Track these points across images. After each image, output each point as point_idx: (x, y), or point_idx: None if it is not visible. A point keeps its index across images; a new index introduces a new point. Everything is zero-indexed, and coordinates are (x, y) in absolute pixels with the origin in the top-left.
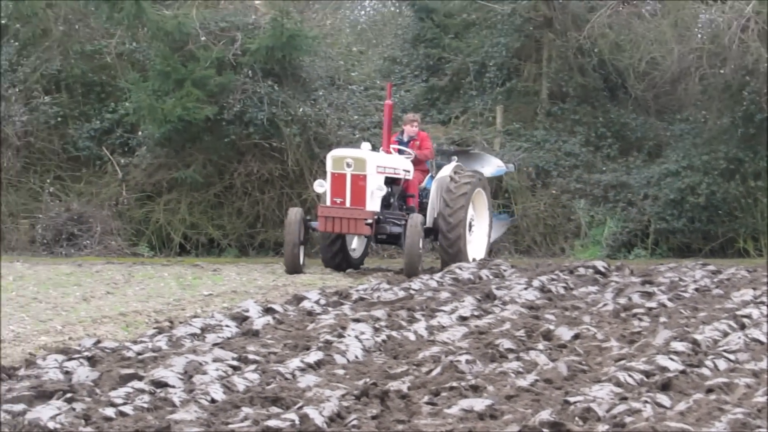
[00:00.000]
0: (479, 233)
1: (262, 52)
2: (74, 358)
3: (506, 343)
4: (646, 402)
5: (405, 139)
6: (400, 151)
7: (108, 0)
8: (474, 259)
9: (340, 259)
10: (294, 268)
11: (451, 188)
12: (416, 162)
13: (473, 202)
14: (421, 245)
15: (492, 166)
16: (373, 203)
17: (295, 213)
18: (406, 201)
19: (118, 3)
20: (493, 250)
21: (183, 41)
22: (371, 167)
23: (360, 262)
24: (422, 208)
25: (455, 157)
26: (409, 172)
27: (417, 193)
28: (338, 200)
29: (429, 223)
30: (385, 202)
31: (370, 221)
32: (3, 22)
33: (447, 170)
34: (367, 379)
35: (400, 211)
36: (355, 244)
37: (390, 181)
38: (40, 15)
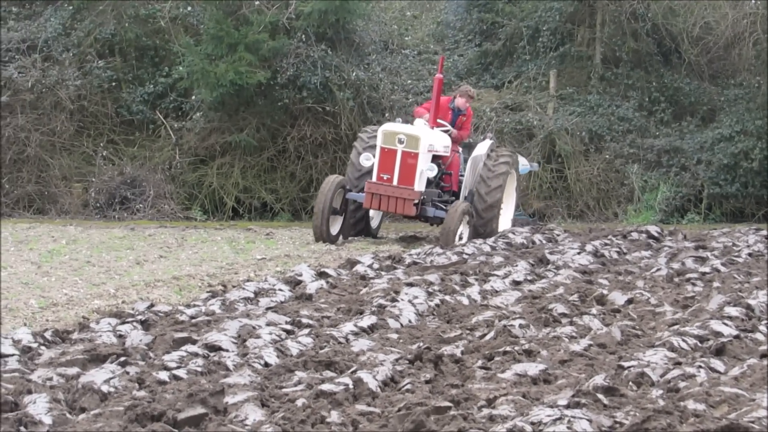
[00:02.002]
0: (506, 211)
1: (316, 15)
2: (127, 322)
3: (560, 308)
4: (699, 367)
5: (455, 108)
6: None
7: None
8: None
9: (360, 230)
10: (322, 237)
11: (489, 166)
12: (453, 139)
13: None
14: (458, 230)
15: (518, 164)
16: (421, 183)
17: (330, 182)
18: (443, 178)
19: None
20: (545, 215)
21: (236, 5)
22: (424, 146)
23: (377, 231)
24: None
25: (490, 134)
26: (449, 148)
27: (457, 171)
28: (385, 176)
29: (462, 198)
30: (427, 180)
31: (417, 201)
32: None
33: (483, 148)
34: (421, 344)
35: (440, 191)
36: (374, 213)
37: (434, 159)
38: None
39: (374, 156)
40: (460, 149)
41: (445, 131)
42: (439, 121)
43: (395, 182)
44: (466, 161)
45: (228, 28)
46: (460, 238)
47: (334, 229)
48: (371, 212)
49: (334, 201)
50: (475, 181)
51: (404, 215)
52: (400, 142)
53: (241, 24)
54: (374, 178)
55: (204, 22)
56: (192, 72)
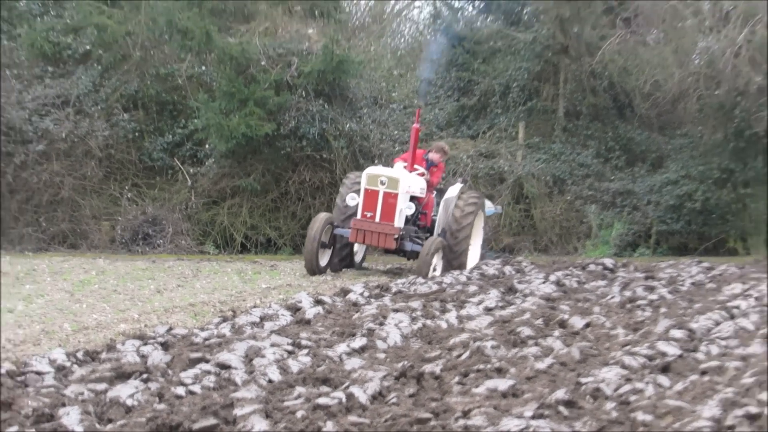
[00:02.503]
0: (474, 246)
1: (315, 74)
2: (149, 343)
3: (526, 331)
4: (648, 382)
5: (428, 160)
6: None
7: (181, 30)
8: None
9: (346, 263)
10: (312, 268)
11: (458, 208)
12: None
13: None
14: (432, 262)
15: (485, 205)
16: (400, 220)
17: (320, 219)
18: (419, 217)
19: (190, 32)
20: (514, 249)
21: (245, 65)
22: (403, 187)
23: (360, 264)
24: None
25: (460, 179)
26: (424, 190)
27: (430, 211)
28: (369, 214)
29: (435, 234)
30: (405, 218)
31: (397, 236)
32: (88, 47)
33: (454, 191)
34: (405, 362)
35: (416, 228)
36: (357, 248)
37: (411, 199)
38: (120, 42)
39: (359, 196)
40: (434, 192)
41: (420, 175)
42: (415, 166)
43: (377, 219)
44: (438, 204)
45: (239, 85)
46: (434, 270)
47: (323, 261)
48: (355, 247)
49: (323, 236)
50: (447, 219)
51: (385, 248)
52: (382, 183)
53: (250, 82)
54: (359, 216)
55: (217, 80)
56: (208, 125)
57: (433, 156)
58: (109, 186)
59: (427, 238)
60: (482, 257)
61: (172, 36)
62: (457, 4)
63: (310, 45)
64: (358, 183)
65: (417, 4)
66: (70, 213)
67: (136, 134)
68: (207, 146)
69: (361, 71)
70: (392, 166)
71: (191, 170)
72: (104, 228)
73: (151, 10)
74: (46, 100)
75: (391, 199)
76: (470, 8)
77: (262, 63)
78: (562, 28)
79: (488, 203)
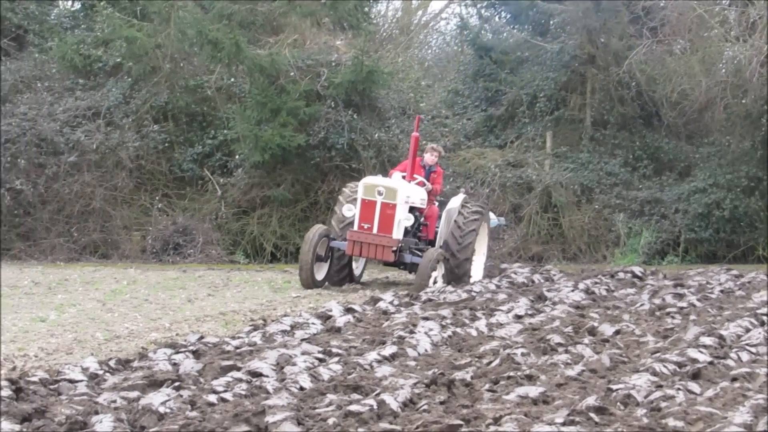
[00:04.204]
0: (478, 259)
1: (344, 85)
2: (181, 352)
3: (556, 338)
4: (678, 389)
5: (425, 166)
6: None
7: (210, 42)
8: (472, 282)
9: (344, 276)
10: (308, 282)
11: (461, 219)
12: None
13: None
14: (432, 275)
15: (489, 217)
16: (399, 232)
17: (314, 231)
18: (420, 229)
19: (219, 44)
20: (543, 258)
21: (275, 76)
22: (401, 197)
23: (359, 278)
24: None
25: (462, 189)
26: (424, 201)
27: (434, 224)
28: (366, 226)
29: (437, 246)
30: (404, 229)
31: (395, 248)
32: (118, 60)
33: (456, 202)
34: (436, 370)
35: (417, 241)
36: (357, 262)
37: (411, 210)
38: (150, 54)
39: (356, 207)
40: (437, 202)
41: (420, 184)
42: (415, 176)
43: (375, 231)
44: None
45: (271, 95)
46: (435, 282)
47: (320, 276)
48: (354, 260)
49: (319, 249)
50: (449, 231)
51: (383, 261)
52: (380, 193)
53: (280, 92)
54: (356, 227)
55: (249, 90)
56: (243, 136)
57: (428, 159)
58: (140, 196)
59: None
60: (487, 270)
61: (201, 48)
62: (484, 13)
63: (339, 56)
64: (356, 194)
65: (444, 15)
66: (101, 223)
67: (166, 145)
68: (237, 156)
69: (390, 82)
70: (390, 176)
71: (221, 180)
72: (135, 238)
73: (181, 22)
74: (77, 111)
75: (389, 210)
76: (497, 19)
77: (292, 74)
78: (590, 38)
79: (492, 215)
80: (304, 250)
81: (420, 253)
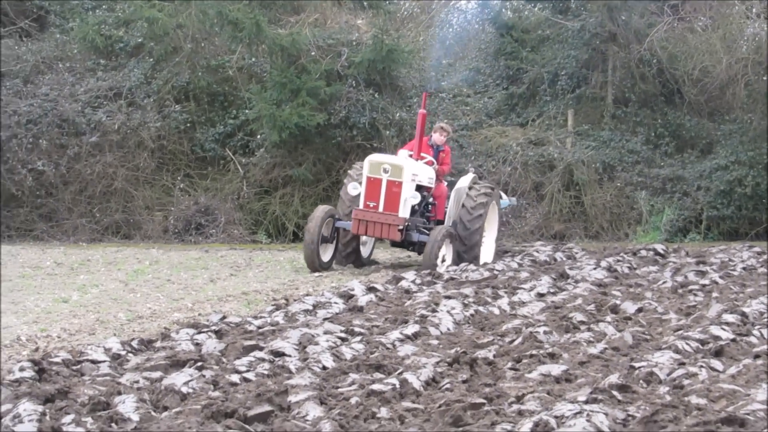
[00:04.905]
0: (489, 239)
1: (365, 64)
2: (203, 332)
3: (578, 316)
4: (701, 366)
5: (434, 145)
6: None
7: (231, 22)
8: (485, 263)
9: (353, 258)
10: (313, 265)
11: (470, 197)
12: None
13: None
14: (440, 254)
15: (499, 197)
16: (405, 210)
17: (319, 211)
18: (429, 208)
19: (240, 24)
20: (565, 236)
21: (296, 56)
22: (407, 174)
23: (369, 258)
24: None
25: (472, 168)
26: (432, 180)
27: (443, 204)
28: (371, 204)
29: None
30: (412, 208)
31: (401, 227)
32: (139, 40)
33: (465, 181)
34: (458, 348)
35: (426, 220)
36: (365, 241)
37: (418, 189)
38: (171, 35)
39: (361, 185)
40: (446, 182)
41: (428, 163)
42: (422, 154)
43: (381, 209)
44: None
45: (291, 75)
46: (443, 261)
47: (326, 257)
48: (363, 239)
49: (324, 230)
50: (458, 211)
51: (390, 240)
52: (385, 171)
53: (301, 72)
54: (361, 206)
55: (267, 71)
56: (261, 115)
57: (436, 138)
58: (162, 177)
59: None
60: (497, 252)
61: (222, 28)
62: None
63: (360, 35)
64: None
65: None
66: (123, 204)
67: (188, 125)
68: (258, 136)
69: (411, 61)
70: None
71: (243, 160)
72: (157, 218)
73: (201, 2)
74: (98, 92)
75: (395, 188)
76: None
77: (312, 53)
78: (610, 16)
79: (503, 195)
80: (308, 231)
81: (427, 232)
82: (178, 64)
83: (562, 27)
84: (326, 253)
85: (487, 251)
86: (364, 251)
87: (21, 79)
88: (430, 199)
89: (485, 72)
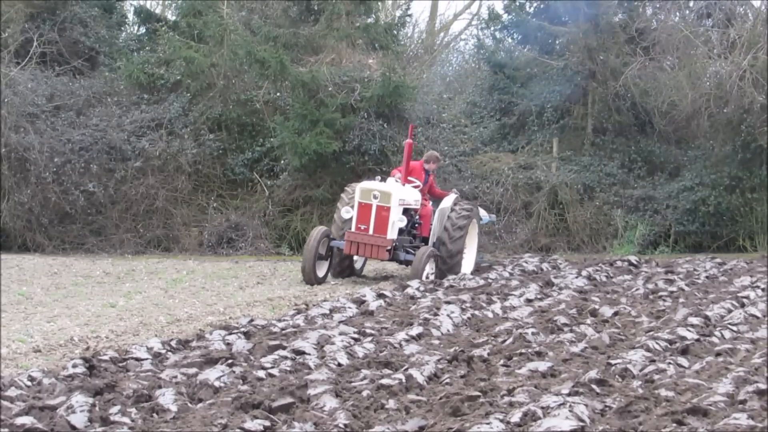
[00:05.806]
0: (468, 255)
1: (375, 99)
2: (233, 333)
3: (562, 319)
4: (669, 363)
5: (427, 170)
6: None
7: (258, 61)
8: (464, 275)
9: (347, 272)
10: (310, 279)
11: (452, 218)
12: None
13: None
14: (424, 271)
15: (479, 215)
16: (393, 232)
17: (316, 232)
18: (415, 227)
19: (266, 63)
20: (550, 249)
21: (315, 91)
22: (395, 200)
23: (360, 272)
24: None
25: (455, 189)
26: (418, 201)
27: (428, 222)
28: (362, 227)
29: (430, 244)
30: (399, 230)
31: (389, 248)
32: (178, 77)
33: (448, 202)
34: (457, 348)
35: (411, 239)
36: (357, 257)
37: (405, 212)
38: (206, 72)
39: (353, 209)
40: (430, 202)
41: (415, 187)
42: (409, 178)
43: (371, 231)
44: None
45: (310, 108)
46: (428, 277)
47: (321, 272)
48: (355, 256)
49: (320, 248)
50: (440, 230)
51: (379, 259)
52: (375, 197)
53: (319, 105)
54: (353, 228)
55: (290, 104)
56: (284, 143)
57: (430, 167)
58: (197, 197)
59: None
60: (477, 265)
61: (250, 66)
62: (498, 35)
63: (371, 73)
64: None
65: (463, 37)
66: (163, 221)
67: (221, 152)
68: (282, 161)
69: (415, 95)
70: (392, 176)
71: (268, 182)
72: (193, 233)
73: (233, 44)
74: (142, 123)
75: (383, 213)
76: (509, 40)
77: (329, 89)
78: (590, 56)
79: (483, 212)
80: (306, 250)
81: (413, 251)
82: (212, 98)
83: (548, 66)
84: (321, 269)
85: (467, 263)
86: (357, 265)
87: (74, 111)
88: (416, 218)
89: (481, 105)
